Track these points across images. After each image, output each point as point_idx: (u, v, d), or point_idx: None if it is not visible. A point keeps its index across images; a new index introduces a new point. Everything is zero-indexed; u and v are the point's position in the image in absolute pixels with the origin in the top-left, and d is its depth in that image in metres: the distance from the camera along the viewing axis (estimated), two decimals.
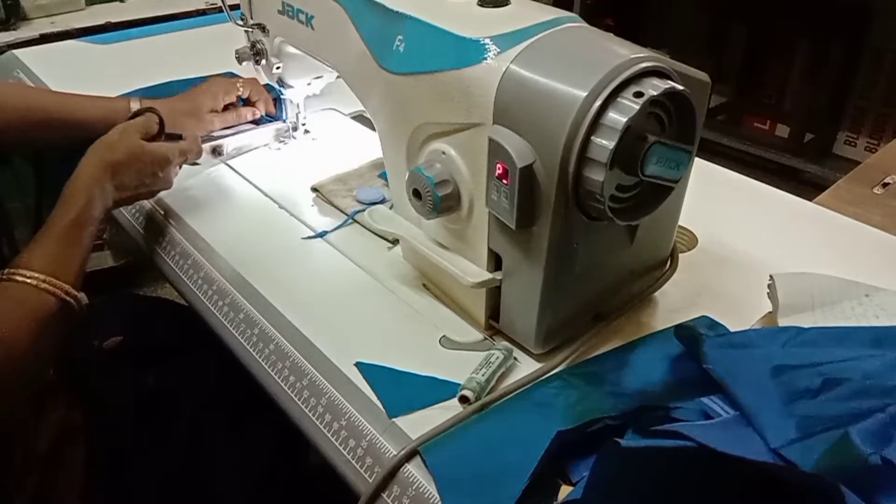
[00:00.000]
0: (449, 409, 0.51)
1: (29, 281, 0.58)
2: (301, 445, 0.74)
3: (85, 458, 0.68)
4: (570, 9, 1.43)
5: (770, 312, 0.60)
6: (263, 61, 0.82)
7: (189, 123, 0.85)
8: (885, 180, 0.94)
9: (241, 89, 0.90)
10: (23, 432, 0.66)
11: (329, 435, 0.53)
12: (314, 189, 0.79)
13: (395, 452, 0.49)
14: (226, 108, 0.90)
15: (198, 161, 0.80)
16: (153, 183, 0.72)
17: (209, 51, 1.12)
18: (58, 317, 0.59)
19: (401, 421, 0.51)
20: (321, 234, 0.72)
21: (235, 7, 0.81)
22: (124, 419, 0.74)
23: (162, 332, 0.87)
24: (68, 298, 0.59)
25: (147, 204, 0.79)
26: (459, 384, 0.53)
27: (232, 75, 0.97)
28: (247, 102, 0.92)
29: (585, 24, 0.52)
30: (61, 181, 0.66)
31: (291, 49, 0.78)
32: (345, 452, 0.51)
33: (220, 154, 0.85)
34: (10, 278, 0.58)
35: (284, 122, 0.90)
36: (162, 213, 0.77)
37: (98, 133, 0.81)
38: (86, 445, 0.69)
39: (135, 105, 0.85)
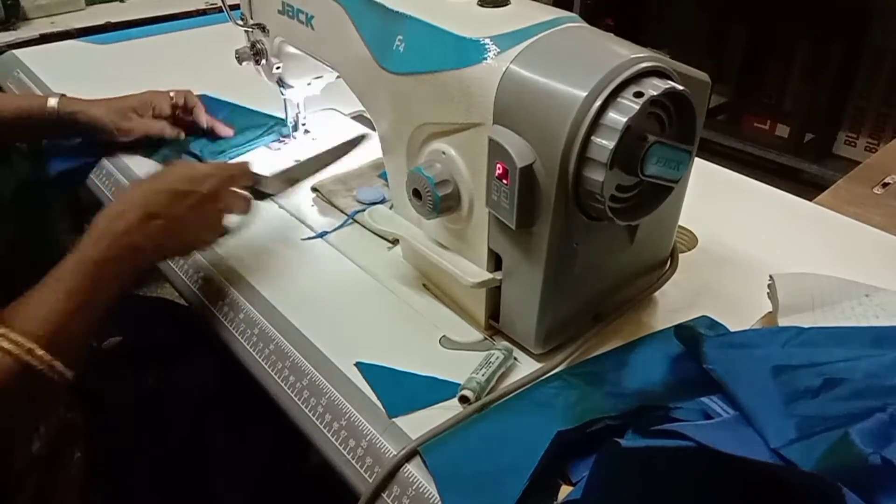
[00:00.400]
0: (449, 409, 0.51)
1: None
2: (301, 445, 0.74)
3: (85, 458, 0.68)
4: (570, 9, 1.43)
5: (770, 312, 0.60)
6: (263, 61, 0.82)
7: (107, 117, 0.82)
8: (885, 180, 0.94)
9: (173, 98, 0.87)
10: (23, 432, 0.65)
11: (329, 435, 0.53)
12: (314, 189, 0.79)
13: (395, 452, 0.49)
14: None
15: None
16: (204, 229, 0.63)
17: (209, 51, 1.11)
18: (20, 383, 0.50)
19: (401, 421, 0.51)
20: (321, 235, 0.72)
21: (235, 7, 0.81)
22: (124, 419, 0.74)
23: (162, 332, 0.87)
24: (39, 365, 0.50)
25: None
26: (459, 384, 0.53)
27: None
28: (185, 111, 0.88)
29: (585, 24, 0.52)
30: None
31: (291, 49, 0.78)
32: (345, 452, 0.51)
33: None
34: None
35: (286, 128, 0.90)
36: None
37: (15, 134, 0.74)
38: (86, 445, 0.69)
39: (52, 101, 0.81)
